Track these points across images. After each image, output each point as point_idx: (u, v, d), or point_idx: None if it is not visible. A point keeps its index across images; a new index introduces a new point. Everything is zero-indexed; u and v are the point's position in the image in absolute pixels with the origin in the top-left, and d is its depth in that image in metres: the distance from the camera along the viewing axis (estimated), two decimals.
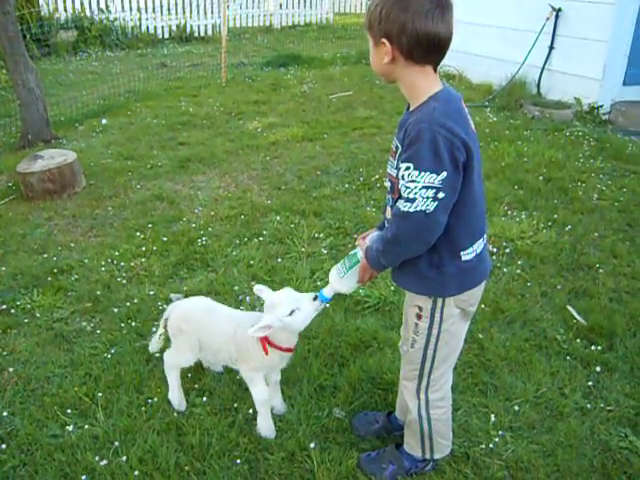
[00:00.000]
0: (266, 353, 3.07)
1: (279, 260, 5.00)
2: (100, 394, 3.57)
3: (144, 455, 3.15)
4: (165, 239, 5.38)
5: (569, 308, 4.22)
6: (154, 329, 4.13)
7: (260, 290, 3.06)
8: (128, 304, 4.44)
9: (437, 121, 2.21)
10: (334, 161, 7.20)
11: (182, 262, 5.06)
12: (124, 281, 4.78)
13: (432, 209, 2.25)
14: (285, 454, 3.15)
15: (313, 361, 3.77)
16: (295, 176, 6.82)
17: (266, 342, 3.04)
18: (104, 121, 9.02)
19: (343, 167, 6.98)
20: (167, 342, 3.70)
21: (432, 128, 2.20)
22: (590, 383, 3.59)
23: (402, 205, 2.29)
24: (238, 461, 3.11)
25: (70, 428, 3.34)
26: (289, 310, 2.87)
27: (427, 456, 2.97)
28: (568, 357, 3.80)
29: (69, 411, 3.46)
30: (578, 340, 3.91)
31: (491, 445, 3.19)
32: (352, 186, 6.37)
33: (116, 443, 3.22)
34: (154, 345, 3.57)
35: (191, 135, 8.40)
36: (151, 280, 4.81)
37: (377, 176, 6.59)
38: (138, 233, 5.52)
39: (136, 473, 3.02)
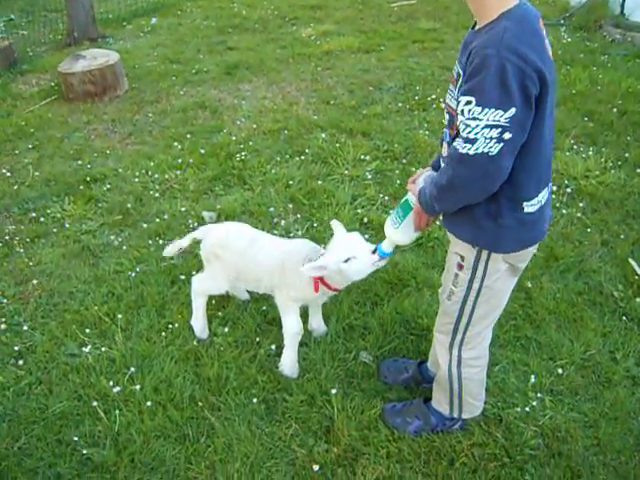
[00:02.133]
0: (316, 291, 2.87)
1: (320, 182, 4.68)
2: (120, 315, 3.44)
3: (159, 384, 3.03)
4: (203, 151, 5.11)
5: (631, 262, 3.81)
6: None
7: (335, 225, 2.87)
8: (158, 220, 4.26)
9: (507, 45, 1.82)
10: (389, 76, 6.67)
11: (218, 177, 4.81)
12: (157, 194, 4.58)
13: (496, 152, 1.89)
14: (305, 397, 2.98)
15: (344, 297, 3.52)
16: (346, 90, 6.36)
17: (318, 279, 2.84)
18: (154, 20, 8.63)
19: (398, 83, 6.46)
20: (193, 266, 3.52)
21: (501, 54, 1.81)
22: None
23: (461, 146, 1.94)
24: (255, 400, 2.96)
25: (87, 349, 3.24)
26: (346, 256, 2.64)
27: (455, 415, 2.75)
28: (624, 317, 3.44)
29: (88, 330, 3.36)
30: (638, 299, 3.53)
31: (527, 408, 2.93)
32: (406, 105, 5.90)
33: (132, 369, 3.11)
34: (169, 250, 3.34)
35: (241, 39, 7.93)
36: (184, 195, 4.60)
37: (434, 96, 6.07)
38: (176, 143, 5.27)
39: (149, 404, 2.91)
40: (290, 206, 4.42)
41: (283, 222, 4.25)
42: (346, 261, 2.64)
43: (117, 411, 2.91)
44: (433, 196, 2.14)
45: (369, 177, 4.75)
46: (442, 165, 2.29)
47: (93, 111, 5.99)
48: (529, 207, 2.12)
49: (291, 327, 3.05)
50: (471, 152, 1.92)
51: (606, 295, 3.58)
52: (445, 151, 2.24)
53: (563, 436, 2.81)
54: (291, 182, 4.68)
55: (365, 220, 4.23)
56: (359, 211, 4.34)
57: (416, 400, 2.90)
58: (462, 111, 1.94)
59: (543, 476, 2.66)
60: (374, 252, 2.59)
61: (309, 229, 4.19)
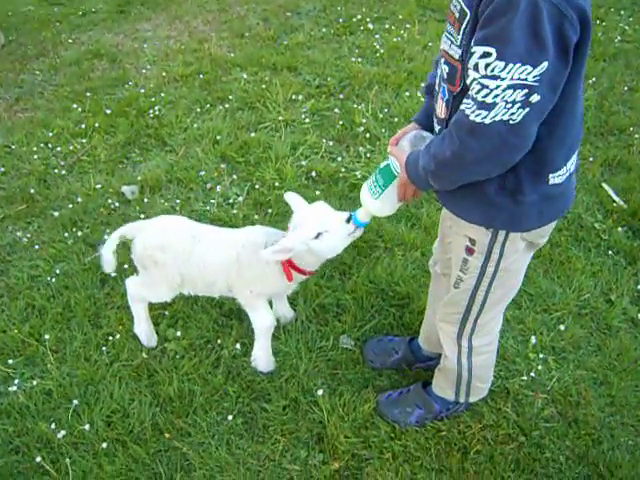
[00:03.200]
0: (290, 279, 2.43)
1: (252, 133, 4.11)
2: (48, 334, 2.87)
3: (112, 416, 2.54)
4: (109, 111, 4.38)
5: (605, 187, 3.54)
6: (106, 236, 3.36)
7: (291, 198, 2.39)
8: (71, 205, 3.60)
9: None
10: None
11: (132, 141, 4.14)
12: (63, 171, 3.89)
13: (519, 119, 1.45)
14: (286, 402, 2.57)
15: None
16: (260, 19, 5.65)
17: (290, 266, 2.40)
18: None
19: (317, 5, 5.80)
20: (125, 259, 2.97)
21: None
22: (639, 286, 3.01)
23: (473, 112, 1.49)
24: (229, 416, 2.52)
25: (15, 384, 2.68)
26: (315, 232, 2.21)
27: (461, 400, 2.42)
28: (610, 252, 3.18)
29: (11, 360, 2.77)
30: (619, 229, 3.28)
31: (532, 374, 2.65)
32: (330, 30, 5.29)
33: (75, 401, 2.58)
34: (108, 264, 2.71)
35: None
36: (96, 168, 3.92)
37: (359, 16, 5.48)
38: (75, 105, 4.50)
39: (104, 445, 2.42)
40: (223, 166, 3.86)
41: (219, 187, 3.69)
42: (317, 237, 2.21)
43: (67, 460, 2.41)
44: (429, 171, 1.69)
45: (306, 120, 4.21)
46: (438, 129, 1.82)
47: None
48: (556, 178, 1.71)
49: (262, 322, 2.61)
50: (487, 120, 1.47)
51: (587, 228, 3.30)
52: (442, 111, 1.77)
53: (575, 400, 2.55)
54: (219, 137, 4.08)
55: (312, 174, 3.73)
56: (303, 163, 3.83)
57: (413, 386, 2.56)
58: (475, 66, 1.46)
59: (563, 448, 2.41)
60: (348, 221, 2.18)
61: (250, 192, 3.66)
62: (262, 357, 2.69)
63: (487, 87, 1.44)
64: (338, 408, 2.53)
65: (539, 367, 2.67)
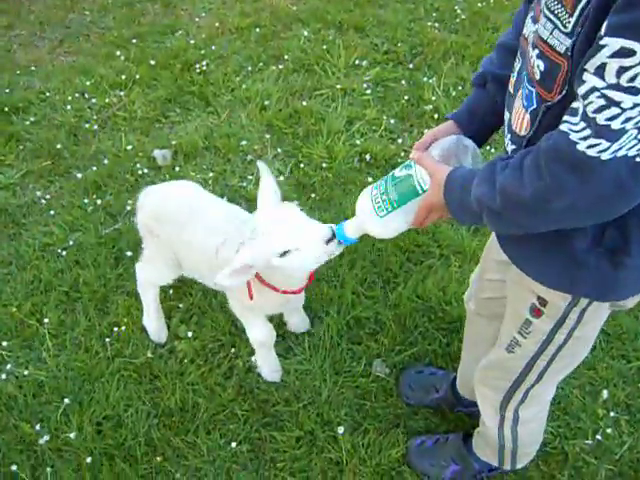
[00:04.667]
0: (250, 297, 1.99)
1: (304, 101, 3.65)
2: (50, 315, 2.58)
3: (103, 423, 2.24)
4: (153, 62, 4.00)
5: None
6: (128, 207, 3.02)
7: (263, 175, 1.89)
8: (96, 166, 3.26)
9: None
10: None
11: (173, 98, 3.75)
12: (95, 126, 3.55)
13: None
14: (301, 432, 2.21)
15: (346, 274, 2.66)
16: None
17: (256, 280, 1.95)
18: None
19: None
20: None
21: None
22: None
23: (584, 140, 1.00)
24: (234, 442, 2.18)
25: (7, 369, 2.41)
26: (281, 250, 1.71)
27: (506, 467, 2.00)
28: None
29: (5, 343, 2.50)
30: None
31: (599, 436, 2.19)
32: None
33: (66, 400, 2.29)
34: None
35: None
36: (130, 125, 3.56)
37: None
38: (119, 52, 4.13)
39: (89, 460, 2.13)
40: (267, 137, 3.43)
41: (260, 162, 3.26)
42: (283, 254, 1.72)
43: (48, 469, 2.13)
44: (488, 207, 1.19)
45: (367, 91, 3.71)
46: (511, 149, 1.32)
47: (15, 10, 4.73)
48: None
49: (256, 337, 2.24)
50: (605, 155, 0.99)
51: None
52: (521, 124, 1.26)
53: None
54: (267, 102, 3.64)
55: (366, 156, 3.26)
56: (357, 142, 3.36)
57: (452, 437, 2.14)
58: (601, 68, 0.97)
59: None
60: (328, 242, 1.66)
61: (294, 170, 3.24)
62: (264, 367, 2.34)
63: (617, 104, 0.95)
64: (360, 449, 2.15)
65: (608, 429, 2.20)
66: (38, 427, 2.22)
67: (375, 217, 1.47)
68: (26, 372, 2.39)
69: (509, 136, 1.34)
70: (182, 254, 2.20)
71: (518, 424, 1.78)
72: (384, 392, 2.32)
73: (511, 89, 1.34)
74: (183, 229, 2.12)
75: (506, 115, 1.37)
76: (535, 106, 1.21)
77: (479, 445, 2.00)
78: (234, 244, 1.92)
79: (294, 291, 2.01)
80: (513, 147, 1.31)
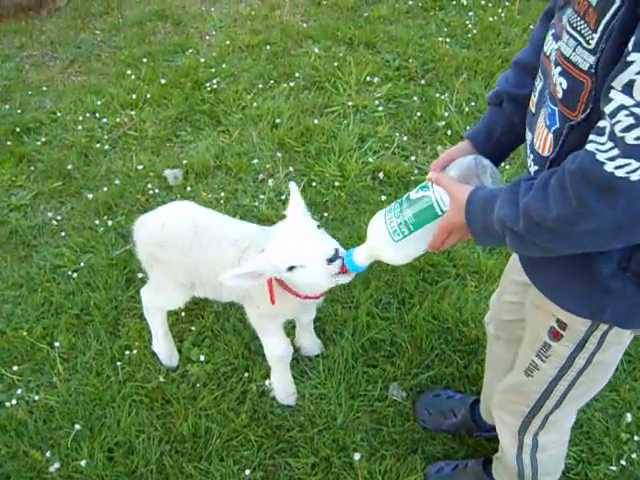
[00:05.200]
0: (272, 301, 1.96)
1: (316, 119, 3.63)
2: (61, 338, 2.54)
3: (114, 449, 2.20)
4: (164, 81, 3.99)
5: None
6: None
7: (293, 194, 1.86)
8: (107, 186, 3.25)
9: None
10: None
11: (184, 117, 3.74)
12: (106, 146, 3.54)
13: None
14: (317, 459, 2.15)
15: (360, 295, 2.61)
16: None
17: (276, 285, 1.94)
18: None
19: None
20: None
21: None
22: None
23: (611, 160, 0.97)
24: (247, 470, 2.12)
25: (18, 394, 2.38)
26: (287, 264, 1.71)
27: None
28: None
29: (15, 367, 2.47)
30: None
31: (623, 462, 2.12)
32: (417, 3, 4.66)
33: (77, 426, 2.26)
34: None
35: None
36: (141, 145, 3.55)
37: None
38: (130, 71, 4.13)
39: None
40: (279, 155, 3.41)
41: (271, 180, 3.25)
42: (290, 269, 1.71)
43: None
44: (511, 229, 1.15)
45: (379, 108, 3.68)
46: (534, 171, 1.28)
47: (27, 31, 4.77)
48: None
49: (274, 352, 2.22)
50: (634, 177, 0.95)
51: None
52: (544, 144, 1.22)
53: None
54: (278, 120, 3.62)
55: (380, 174, 3.22)
56: (370, 160, 3.33)
57: (472, 463, 2.08)
58: (629, 86, 0.93)
59: None
60: (331, 262, 1.63)
61: (306, 188, 3.21)
62: (280, 388, 2.30)
63: None
64: (377, 476, 2.09)
65: (633, 455, 2.13)
66: (49, 454, 2.19)
67: (389, 242, 1.41)
68: (37, 397, 2.36)
69: (532, 157, 1.29)
70: (196, 274, 2.16)
71: (537, 451, 1.72)
72: (401, 416, 2.26)
73: (532, 108, 1.30)
74: (192, 249, 2.09)
75: (528, 135, 1.33)
76: (558, 125, 1.18)
77: (498, 471, 1.94)
78: (252, 252, 1.95)
79: (316, 296, 1.98)
80: (536, 168, 1.27)
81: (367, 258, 1.56)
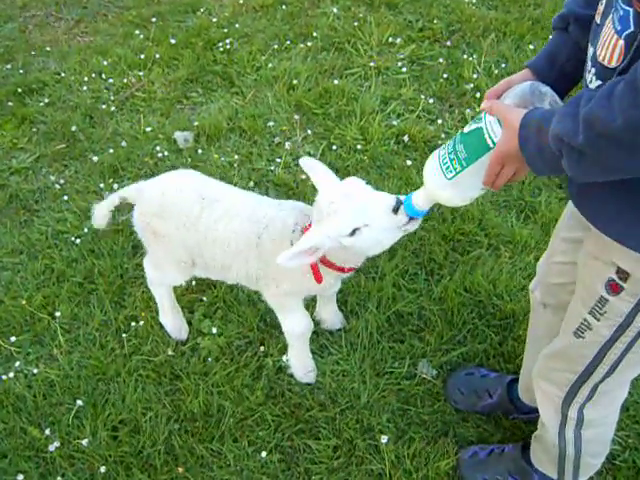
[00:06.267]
0: (318, 280, 1.79)
1: (335, 80, 3.40)
2: (62, 307, 2.37)
3: (119, 427, 2.03)
4: (174, 41, 3.77)
5: None
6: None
7: (310, 167, 1.73)
8: (113, 149, 3.05)
9: None
10: None
11: (195, 78, 3.53)
12: (113, 107, 3.33)
13: None
14: (339, 441, 1.97)
15: (385, 265, 2.41)
16: None
17: (321, 263, 1.77)
18: None
19: None
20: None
21: None
22: None
23: None
24: (264, 451, 1.95)
25: (16, 367, 2.21)
26: (350, 227, 1.54)
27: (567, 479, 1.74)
28: None
29: (13, 338, 2.30)
30: None
31: None
32: None
33: (79, 402, 2.09)
34: (98, 218, 2.16)
35: None
36: (150, 107, 3.35)
37: None
38: (138, 31, 3.92)
39: (103, 470, 1.91)
40: (296, 118, 3.19)
41: (288, 143, 3.05)
42: (352, 233, 1.55)
43: (59, 478, 1.92)
44: (569, 144, 1.00)
45: (403, 69, 3.45)
46: (598, 85, 1.11)
47: None
48: None
49: (293, 328, 2.03)
50: None
51: None
52: (610, 53, 1.08)
53: None
54: (295, 82, 3.40)
55: (405, 137, 3.01)
56: (394, 122, 3.11)
57: (509, 448, 1.90)
58: None
59: None
60: (396, 211, 1.51)
61: (326, 152, 3.00)
62: (297, 365, 2.12)
63: None
64: (405, 460, 1.91)
65: None
66: (48, 431, 2.02)
67: (443, 180, 1.32)
68: (36, 370, 2.19)
69: (593, 71, 1.14)
70: (199, 251, 1.96)
71: (583, 426, 1.54)
72: (430, 396, 2.08)
73: (598, 19, 1.16)
74: (197, 223, 1.90)
75: (589, 50, 1.18)
76: (632, 29, 1.01)
77: (536, 454, 1.77)
78: (276, 229, 1.80)
79: (351, 268, 1.82)
80: (598, 83, 1.12)
81: (426, 201, 1.45)
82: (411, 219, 1.52)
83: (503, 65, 3.43)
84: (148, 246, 2.08)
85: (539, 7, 3.95)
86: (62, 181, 2.92)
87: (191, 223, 1.89)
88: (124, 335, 2.28)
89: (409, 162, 2.86)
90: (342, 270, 1.81)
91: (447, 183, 1.32)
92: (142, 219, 1.99)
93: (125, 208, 2.73)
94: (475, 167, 1.26)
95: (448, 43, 3.64)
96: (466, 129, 1.28)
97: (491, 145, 1.22)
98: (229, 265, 1.94)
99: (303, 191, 2.78)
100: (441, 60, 3.49)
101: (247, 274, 1.95)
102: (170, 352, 2.21)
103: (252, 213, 1.86)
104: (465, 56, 3.48)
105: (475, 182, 1.29)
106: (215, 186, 1.99)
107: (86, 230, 2.65)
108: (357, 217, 1.54)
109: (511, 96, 1.26)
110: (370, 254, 1.71)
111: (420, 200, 1.45)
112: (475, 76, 3.35)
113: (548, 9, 3.88)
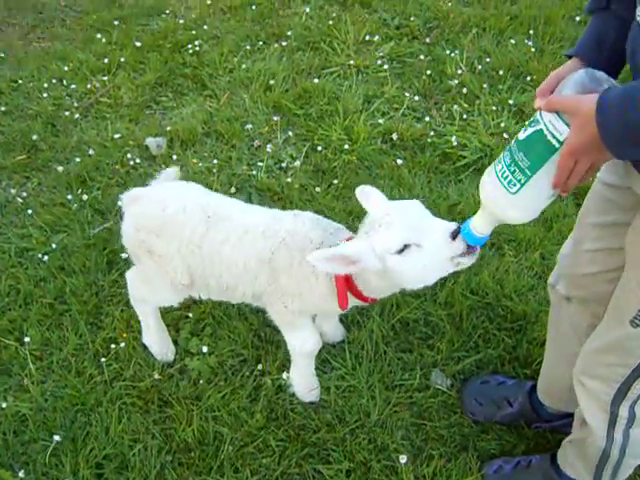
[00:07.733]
0: (342, 306, 1.64)
1: (315, 79, 3.24)
2: (32, 332, 2.13)
3: (104, 465, 1.80)
4: (139, 44, 3.56)
5: None
6: (119, 203, 2.58)
7: (365, 195, 1.58)
8: (78, 159, 2.82)
9: None
10: None
11: (164, 82, 3.33)
12: (76, 115, 3.10)
13: None
14: (352, 464, 1.79)
15: None
16: None
17: (346, 286, 1.60)
18: None
19: None
20: None
21: None
22: None
23: None
24: None
25: None
26: (400, 243, 1.40)
27: None
28: None
29: None
30: None
31: None
32: None
33: (56, 437, 1.85)
34: None
35: None
36: (117, 113, 3.13)
37: None
38: (99, 35, 3.69)
39: None
40: (276, 119, 3.02)
41: (269, 146, 2.87)
42: (401, 250, 1.39)
43: None
44: None
45: (384, 67, 3.32)
46: None
47: None
48: None
49: (302, 345, 1.85)
50: None
51: None
52: None
53: None
54: (272, 82, 3.23)
55: (393, 136, 2.86)
56: (380, 121, 2.96)
57: (536, 459, 1.75)
58: None
59: None
60: (454, 237, 1.37)
61: (310, 154, 2.83)
62: (301, 383, 1.93)
63: None
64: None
65: None
66: (22, 473, 1.78)
67: (507, 196, 1.19)
68: (4, 404, 1.94)
69: None
70: (203, 272, 1.76)
71: (634, 424, 1.41)
72: (446, 408, 1.92)
73: None
74: (203, 243, 1.71)
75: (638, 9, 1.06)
76: None
77: (569, 460, 1.63)
78: (296, 241, 1.64)
79: (374, 300, 1.69)
80: None
81: (487, 224, 1.30)
82: (469, 248, 1.37)
83: (487, 60, 3.33)
84: (137, 261, 1.87)
85: (515, 3, 3.88)
86: (24, 194, 2.68)
87: (195, 245, 1.71)
88: (103, 359, 2.05)
89: (399, 161, 2.71)
90: (365, 300, 1.66)
91: (512, 198, 1.19)
92: (136, 235, 1.77)
93: (96, 220, 2.53)
94: (540, 174, 1.14)
95: (427, 40, 3.52)
96: (521, 135, 1.16)
97: (556, 145, 1.10)
98: (234, 285, 1.75)
99: (289, 195, 2.60)
100: (422, 57, 3.37)
101: (253, 293, 1.76)
102: (156, 376, 2.00)
103: (267, 228, 1.69)
104: (447, 52, 3.37)
105: (543, 191, 1.17)
106: (219, 201, 1.81)
107: (54, 246, 2.41)
108: (411, 233, 1.40)
109: (568, 87, 1.14)
110: (408, 285, 1.53)
111: (479, 224, 1.30)
112: (459, 72, 3.23)
113: (524, 5, 3.81)
